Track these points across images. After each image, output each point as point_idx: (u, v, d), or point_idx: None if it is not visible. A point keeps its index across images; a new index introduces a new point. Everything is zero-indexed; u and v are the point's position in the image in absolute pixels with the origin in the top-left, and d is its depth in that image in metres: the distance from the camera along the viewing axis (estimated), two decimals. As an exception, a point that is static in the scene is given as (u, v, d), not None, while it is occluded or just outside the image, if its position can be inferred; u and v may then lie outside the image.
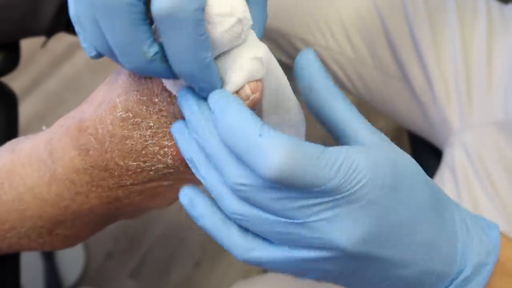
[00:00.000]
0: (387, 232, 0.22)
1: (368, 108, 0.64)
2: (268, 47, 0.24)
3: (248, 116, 0.21)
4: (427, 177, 0.24)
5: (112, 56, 0.23)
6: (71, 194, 0.28)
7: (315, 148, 0.21)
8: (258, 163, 0.20)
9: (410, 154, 0.67)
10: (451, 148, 0.53)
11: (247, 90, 0.23)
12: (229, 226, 0.22)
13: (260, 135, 0.20)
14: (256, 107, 0.24)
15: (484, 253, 0.24)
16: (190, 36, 0.21)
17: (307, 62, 0.25)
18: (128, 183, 0.27)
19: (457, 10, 0.53)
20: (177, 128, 0.24)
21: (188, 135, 0.23)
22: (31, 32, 0.45)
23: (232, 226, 0.22)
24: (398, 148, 0.24)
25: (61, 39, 0.49)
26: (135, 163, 0.26)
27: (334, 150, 0.21)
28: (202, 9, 0.21)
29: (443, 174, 0.52)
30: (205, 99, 0.23)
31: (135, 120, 0.25)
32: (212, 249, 0.90)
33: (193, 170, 0.23)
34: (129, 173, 0.27)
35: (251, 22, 0.22)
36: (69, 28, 0.47)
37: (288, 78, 0.25)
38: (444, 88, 0.53)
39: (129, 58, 0.22)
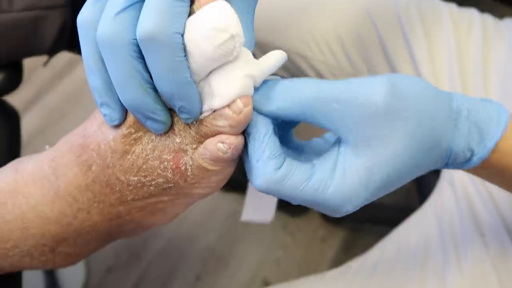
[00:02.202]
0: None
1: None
2: None
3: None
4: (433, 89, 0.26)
5: (111, 95, 0.25)
6: (73, 211, 0.28)
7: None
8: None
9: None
10: (449, 161, 0.53)
11: (239, 104, 0.24)
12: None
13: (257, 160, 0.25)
14: (248, 121, 0.25)
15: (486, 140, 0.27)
16: (168, 58, 0.23)
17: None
18: (129, 199, 0.28)
19: (452, 23, 0.54)
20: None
21: None
22: (33, 52, 0.46)
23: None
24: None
25: (62, 54, 0.50)
26: (136, 178, 0.27)
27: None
28: (181, 34, 0.23)
29: (442, 189, 0.52)
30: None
31: (138, 135, 0.26)
32: (213, 263, 0.90)
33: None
34: (130, 188, 0.27)
35: (243, 39, 0.23)
36: (70, 47, 0.48)
37: None
38: None
39: (127, 90, 0.24)
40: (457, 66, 0.53)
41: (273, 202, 0.35)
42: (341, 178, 0.25)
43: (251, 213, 0.37)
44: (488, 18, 0.56)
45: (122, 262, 0.89)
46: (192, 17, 0.23)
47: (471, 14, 0.56)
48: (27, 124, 1.01)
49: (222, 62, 0.23)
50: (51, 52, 0.46)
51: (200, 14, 0.23)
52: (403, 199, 0.91)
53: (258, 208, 0.36)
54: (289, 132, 0.29)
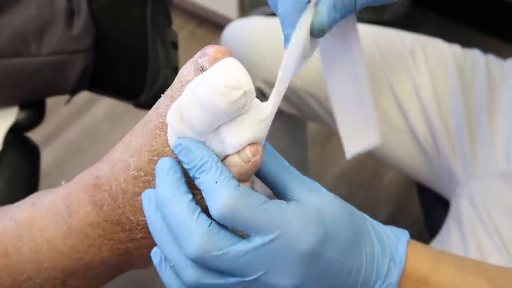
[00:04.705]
0: (318, 275, 0.25)
1: (377, 160, 0.64)
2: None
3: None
4: (350, 212, 0.27)
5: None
6: (85, 246, 0.30)
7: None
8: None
9: (419, 206, 0.66)
10: (457, 199, 0.53)
11: (248, 153, 0.25)
12: None
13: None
14: (256, 170, 0.25)
15: (392, 267, 0.27)
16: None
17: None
18: (138, 237, 0.29)
19: (456, 63, 0.56)
20: (146, 195, 0.26)
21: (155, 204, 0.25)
22: (57, 92, 0.48)
23: None
24: (328, 198, 0.26)
25: (82, 92, 0.53)
26: (144, 218, 0.28)
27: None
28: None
29: (450, 226, 0.52)
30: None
31: (146, 178, 0.28)
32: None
33: (154, 238, 0.26)
34: (139, 227, 0.29)
35: (254, 95, 0.25)
36: (91, 87, 0.51)
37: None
38: (447, 140, 0.55)
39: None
40: (462, 105, 0.54)
41: (372, 119, 0.29)
42: (297, 205, 0.25)
43: (354, 144, 0.34)
44: (491, 59, 0.57)
45: (131, 297, 0.88)
46: (205, 74, 0.24)
47: (475, 54, 0.57)
48: (45, 158, 1.03)
49: (234, 116, 0.24)
50: (73, 92, 0.49)
51: (213, 71, 0.24)
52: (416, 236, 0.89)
53: (360, 135, 0.31)
54: None
